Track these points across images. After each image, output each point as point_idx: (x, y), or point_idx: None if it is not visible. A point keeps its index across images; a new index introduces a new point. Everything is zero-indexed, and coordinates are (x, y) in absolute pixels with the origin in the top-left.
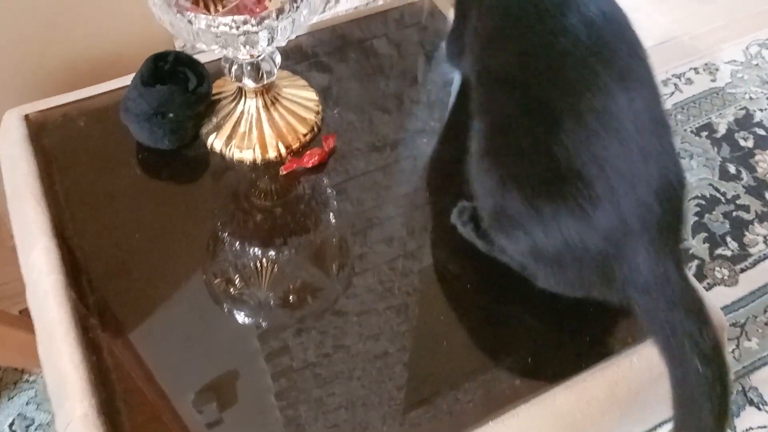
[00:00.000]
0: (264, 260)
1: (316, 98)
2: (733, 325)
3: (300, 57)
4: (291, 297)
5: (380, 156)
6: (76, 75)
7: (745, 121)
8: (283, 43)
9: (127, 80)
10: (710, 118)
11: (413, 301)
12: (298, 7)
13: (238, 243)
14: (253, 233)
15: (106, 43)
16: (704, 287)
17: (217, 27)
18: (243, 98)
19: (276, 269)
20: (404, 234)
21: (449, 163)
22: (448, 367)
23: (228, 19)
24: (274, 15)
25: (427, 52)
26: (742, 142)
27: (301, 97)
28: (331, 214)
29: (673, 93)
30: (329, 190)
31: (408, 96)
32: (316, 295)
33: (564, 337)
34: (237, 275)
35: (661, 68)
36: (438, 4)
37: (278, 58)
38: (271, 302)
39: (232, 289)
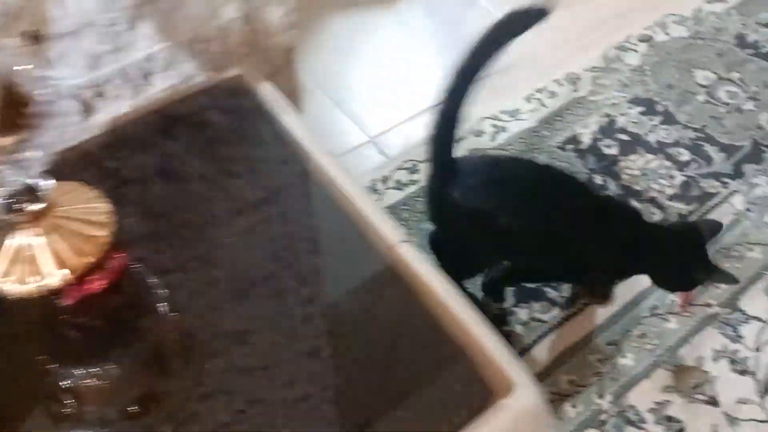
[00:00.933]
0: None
1: (108, 209)
2: (610, 344)
3: (89, 163)
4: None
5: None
6: None
7: (609, 128)
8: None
9: None
10: (574, 130)
11: (323, 344)
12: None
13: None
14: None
15: None
16: (579, 307)
17: None
18: (13, 230)
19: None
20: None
21: None
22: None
23: None
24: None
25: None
26: (606, 150)
27: (89, 212)
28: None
29: (536, 109)
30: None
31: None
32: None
33: None
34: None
35: (523, 85)
36: (250, 79)
37: (47, 182)
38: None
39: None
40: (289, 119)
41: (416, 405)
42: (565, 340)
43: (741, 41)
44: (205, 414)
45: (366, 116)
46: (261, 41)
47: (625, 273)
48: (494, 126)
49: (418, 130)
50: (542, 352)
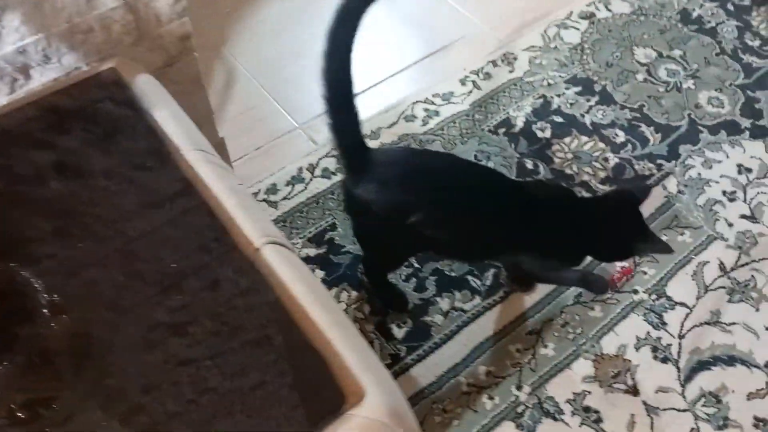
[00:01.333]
0: None
1: None
2: (531, 333)
3: None
4: None
5: None
6: None
7: (543, 111)
8: None
9: None
10: (508, 113)
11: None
12: None
13: None
14: None
15: None
16: (501, 295)
17: None
18: None
19: None
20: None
21: None
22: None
23: None
24: None
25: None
26: (539, 134)
27: None
28: None
29: (470, 92)
30: None
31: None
32: None
33: None
34: None
35: (458, 67)
36: (123, 73)
37: None
38: None
39: None
40: (161, 113)
41: (265, 410)
42: (485, 330)
43: (685, 17)
44: (151, 406)
45: (296, 103)
46: (150, 30)
47: (569, 254)
48: (426, 110)
49: None
50: (461, 343)
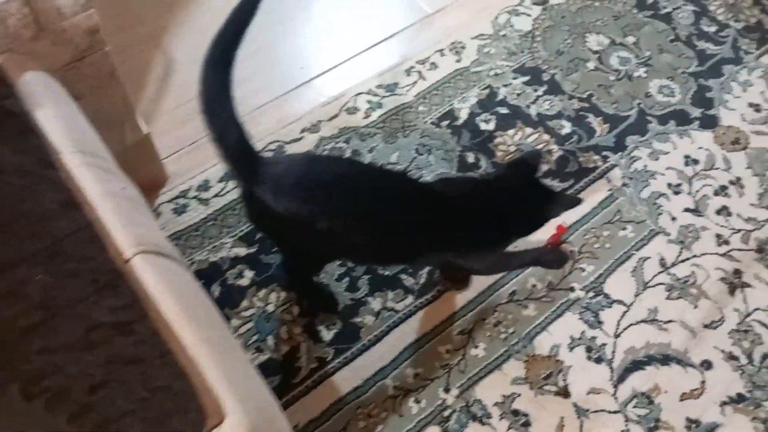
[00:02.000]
0: None
1: None
2: (461, 333)
3: None
4: None
5: None
6: None
7: (488, 102)
8: None
9: None
10: (452, 105)
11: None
12: None
13: None
14: None
15: None
16: (434, 294)
17: None
18: None
19: None
20: None
21: None
22: None
23: None
24: None
25: None
26: (483, 126)
27: None
28: None
29: (415, 83)
30: None
31: None
32: None
33: None
34: None
35: (406, 56)
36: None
37: None
38: None
39: None
40: (45, 113)
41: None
42: (415, 331)
43: (641, 2)
44: (101, 404)
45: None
46: (51, 23)
47: (491, 240)
48: (369, 102)
49: (289, 109)
50: (390, 345)
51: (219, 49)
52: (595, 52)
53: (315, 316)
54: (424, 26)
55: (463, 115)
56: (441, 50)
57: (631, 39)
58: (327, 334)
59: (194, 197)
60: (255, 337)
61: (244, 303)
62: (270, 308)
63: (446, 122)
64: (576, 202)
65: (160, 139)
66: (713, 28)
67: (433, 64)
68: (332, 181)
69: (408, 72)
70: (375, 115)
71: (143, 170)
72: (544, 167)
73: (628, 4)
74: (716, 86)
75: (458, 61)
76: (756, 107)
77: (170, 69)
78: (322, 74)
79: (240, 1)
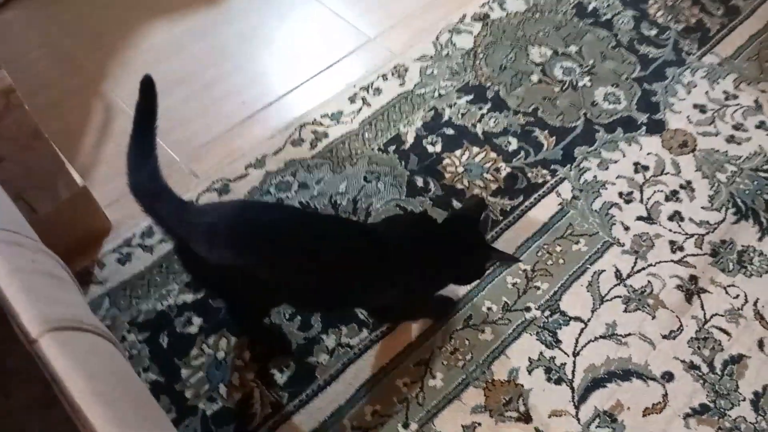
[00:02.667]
0: None
1: None
2: (418, 364)
3: None
4: None
5: None
6: None
7: (434, 123)
8: None
9: None
10: (398, 129)
11: None
12: None
13: None
14: None
15: None
16: (390, 325)
17: None
18: None
19: None
20: None
21: None
22: None
23: None
24: None
25: None
26: (430, 149)
27: None
28: None
29: (360, 109)
30: None
31: None
32: None
33: None
34: None
35: (350, 83)
36: None
37: None
38: None
39: None
40: None
41: None
42: (372, 366)
43: (580, 10)
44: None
45: (176, 135)
46: None
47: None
48: (315, 132)
49: (233, 145)
50: (346, 383)
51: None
52: (538, 65)
53: (268, 359)
54: (366, 51)
55: (410, 138)
56: (384, 75)
57: (573, 48)
58: (281, 378)
59: (138, 245)
60: (206, 387)
61: (194, 351)
62: (221, 355)
63: (393, 147)
64: (513, 261)
65: (101, 188)
66: (653, 32)
67: (376, 89)
68: (267, 228)
69: (352, 99)
70: (321, 145)
71: (83, 222)
72: (494, 186)
73: (568, 13)
74: (660, 90)
75: (402, 84)
76: (701, 108)
77: (110, 115)
78: (264, 108)
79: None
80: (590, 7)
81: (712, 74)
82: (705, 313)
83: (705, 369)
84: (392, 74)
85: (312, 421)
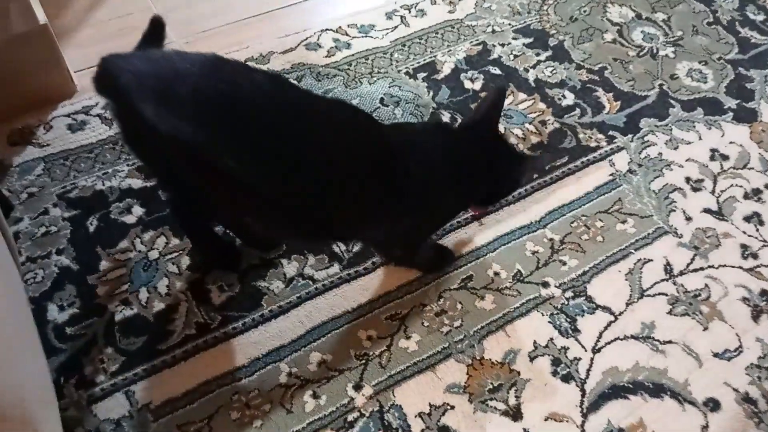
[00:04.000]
0: None
1: None
2: (392, 317)
3: None
4: None
5: None
6: None
7: (479, 59)
8: None
9: None
10: (435, 57)
11: None
12: None
13: None
14: None
15: None
16: (367, 266)
17: None
18: None
19: None
20: None
21: None
22: None
23: None
24: None
25: None
26: (467, 84)
27: None
28: None
29: (396, 27)
30: None
31: None
32: None
33: None
34: None
35: None
36: None
37: None
38: None
39: None
40: None
41: None
42: (334, 308)
43: None
44: None
45: (180, 15)
46: None
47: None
48: (336, 41)
49: (239, 36)
50: (296, 321)
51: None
52: (615, 24)
53: (207, 272)
54: None
55: (446, 69)
56: None
57: (661, 16)
58: (218, 297)
59: (98, 115)
60: (125, 287)
61: (123, 243)
62: (153, 254)
63: (424, 74)
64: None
65: (79, 51)
66: (761, 17)
67: (420, 10)
68: (246, 102)
69: (389, 15)
70: (340, 55)
71: (40, 73)
72: (535, 139)
73: None
74: (759, 78)
75: (451, 12)
76: None
77: None
78: (287, 6)
79: None
80: None
81: None
82: None
83: (763, 405)
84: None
85: (241, 355)
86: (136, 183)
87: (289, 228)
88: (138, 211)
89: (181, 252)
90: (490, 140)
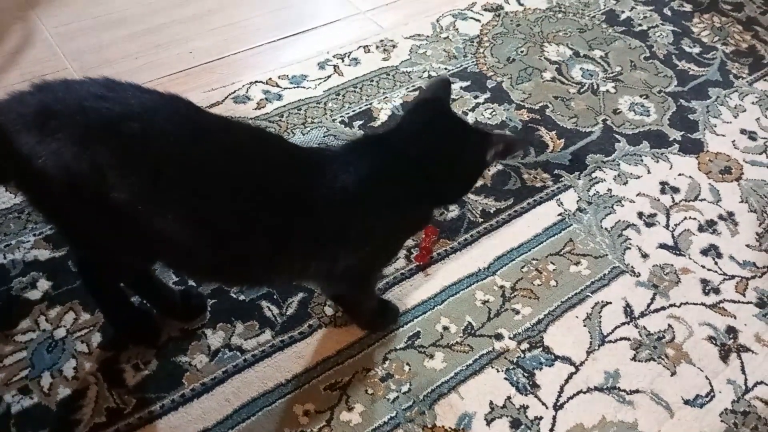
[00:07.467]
0: None
1: None
2: (331, 387)
3: None
4: None
5: None
6: None
7: None
8: None
9: None
10: (371, 104)
11: None
12: None
13: None
14: None
15: None
16: (304, 330)
17: None
18: None
19: None
20: None
21: None
22: None
23: None
24: None
25: None
26: None
27: None
28: None
29: (329, 77)
30: None
31: None
32: None
33: None
34: None
35: (325, 49)
36: None
37: None
38: None
39: None
40: None
41: None
42: (266, 381)
43: (611, 18)
44: None
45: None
46: None
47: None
48: (266, 93)
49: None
50: (222, 400)
51: None
52: (554, 62)
53: (121, 350)
54: (353, 22)
55: (383, 116)
56: (367, 46)
57: (598, 53)
58: (132, 377)
59: None
60: (25, 372)
61: (25, 323)
62: (60, 333)
63: (360, 122)
64: (523, 144)
65: None
66: (696, 50)
67: (354, 59)
68: (145, 124)
69: (322, 65)
70: (270, 107)
71: None
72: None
73: (596, 18)
74: (701, 109)
75: (386, 59)
76: (750, 134)
77: (29, 41)
78: (213, 61)
79: None
80: (623, 16)
81: (765, 101)
82: (746, 379)
83: None
84: (377, 48)
85: None
86: (44, 254)
87: (204, 267)
88: (44, 285)
89: (92, 328)
90: (439, 118)
